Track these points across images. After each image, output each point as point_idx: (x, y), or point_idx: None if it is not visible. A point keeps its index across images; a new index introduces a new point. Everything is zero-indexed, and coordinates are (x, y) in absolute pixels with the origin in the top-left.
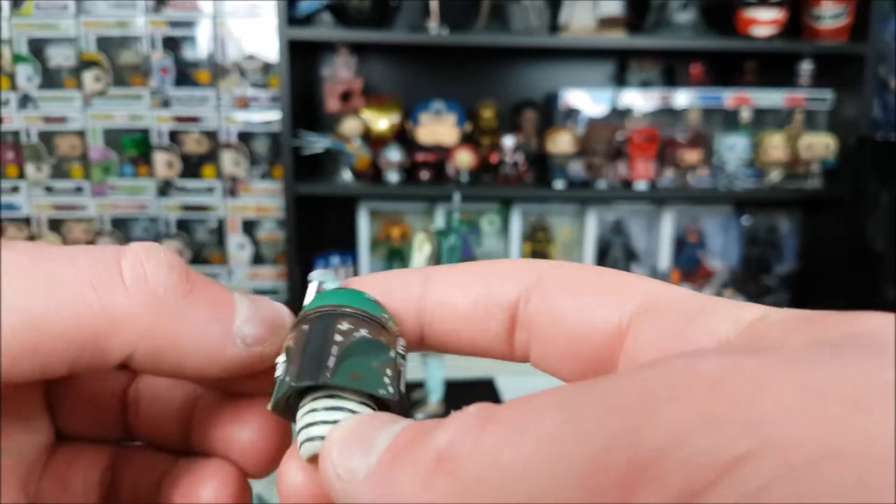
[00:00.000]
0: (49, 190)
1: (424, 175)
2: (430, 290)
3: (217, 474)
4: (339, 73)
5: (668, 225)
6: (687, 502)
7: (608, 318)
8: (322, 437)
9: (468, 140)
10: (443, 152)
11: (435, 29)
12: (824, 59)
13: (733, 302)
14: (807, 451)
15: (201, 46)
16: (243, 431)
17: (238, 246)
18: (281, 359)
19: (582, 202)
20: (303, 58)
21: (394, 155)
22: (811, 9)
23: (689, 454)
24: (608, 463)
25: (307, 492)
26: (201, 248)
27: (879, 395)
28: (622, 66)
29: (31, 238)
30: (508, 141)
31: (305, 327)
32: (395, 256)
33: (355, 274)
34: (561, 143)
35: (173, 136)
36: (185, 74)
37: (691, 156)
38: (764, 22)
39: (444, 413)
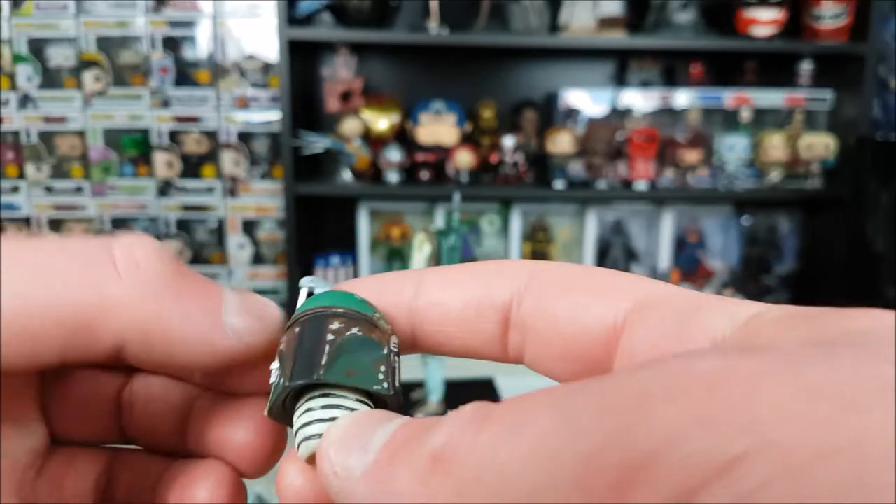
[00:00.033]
0: (49, 190)
1: (424, 175)
2: (422, 292)
3: (212, 474)
4: (339, 73)
5: (668, 225)
6: (682, 503)
7: (603, 318)
8: (319, 436)
9: (468, 140)
10: (443, 152)
11: (435, 29)
12: (824, 59)
13: (729, 299)
14: (802, 451)
15: (201, 46)
16: (238, 431)
17: (238, 246)
18: (275, 365)
19: (582, 202)
20: (303, 58)
21: (394, 155)
22: (811, 9)
23: (685, 455)
24: (603, 463)
25: (307, 493)
26: (201, 248)
27: (874, 393)
28: (622, 66)
29: None
30: (508, 141)
31: (297, 329)
32: (395, 256)
33: (355, 274)
34: (561, 143)
35: (173, 136)
36: (185, 74)
37: (691, 156)
38: (764, 22)
39: (444, 413)
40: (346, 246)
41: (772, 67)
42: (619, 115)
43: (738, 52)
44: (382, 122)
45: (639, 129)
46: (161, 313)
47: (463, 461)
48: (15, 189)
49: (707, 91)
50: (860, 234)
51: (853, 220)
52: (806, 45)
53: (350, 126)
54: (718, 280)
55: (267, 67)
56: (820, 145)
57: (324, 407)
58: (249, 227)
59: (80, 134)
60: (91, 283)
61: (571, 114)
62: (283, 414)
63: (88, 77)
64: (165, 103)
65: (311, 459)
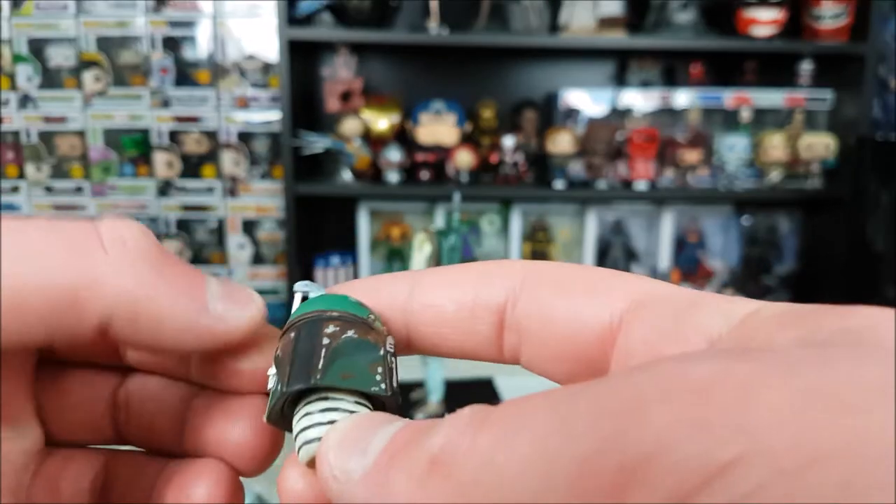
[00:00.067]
0: (49, 190)
1: (424, 175)
2: (417, 293)
3: (210, 473)
4: (339, 73)
5: (668, 225)
6: None
7: (598, 317)
8: (319, 439)
9: (468, 140)
10: (443, 152)
11: (435, 29)
12: (824, 59)
13: (724, 297)
14: (796, 455)
15: (201, 46)
16: (236, 430)
17: (238, 246)
18: (271, 371)
19: (582, 202)
20: (303, 58)
21: (394, 155)
22: (811, 9)
23: (679, 458)
24: (599, 465)
25: (308, 497)
26: (201, 248)
27: (869, 395)
28: (622, 66)
29: None
30: (508, 141)
31: (292, 335)
32: (395, 256)
33: (355, 274)
34: (561, 143)
35: (173, 136)
36: (185, 74)
37: (691, 156)
38: (764, 22)
39: (444, 413)
40: (346, 246)
41: (772, 67)
42: (619, 115)
43: (738, 52)
44: (382, 122)
45: (639, 129)
46: (148, 289)
47: (461, 464)
48: (15, 189)
49: (707, 91)
50: (860, 234)
51: (853, 220)
52: (806, 45)
53: (350, 126)
54: (718, 280)
55: (267, 67)
56: (820, 145)
57: (322, 410)
58: (249, 227)
59: (80, 134)
60: (77, 258)
61: (571, 114)
62: (281, 419)
63: (88, 77)
64: (165, 103)
65: (312, 463)
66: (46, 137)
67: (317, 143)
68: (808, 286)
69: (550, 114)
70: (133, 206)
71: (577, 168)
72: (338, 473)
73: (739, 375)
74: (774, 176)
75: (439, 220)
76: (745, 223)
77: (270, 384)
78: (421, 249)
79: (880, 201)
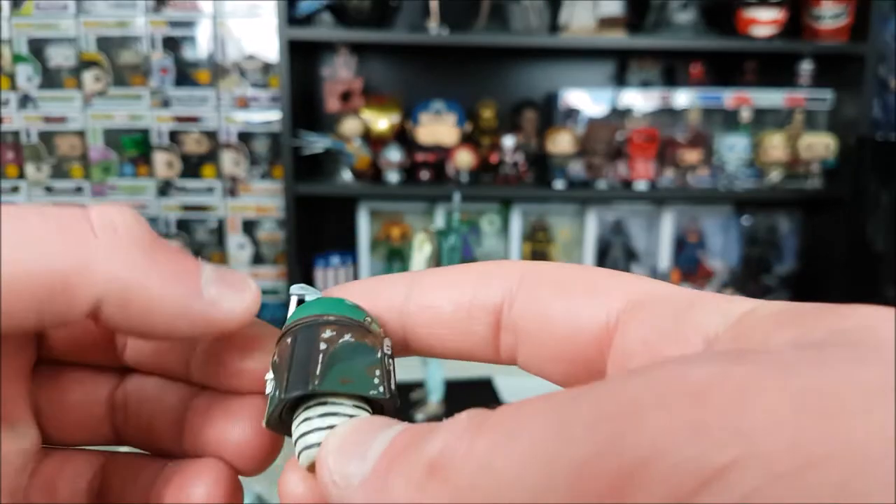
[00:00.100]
0: (49, 190)
1: (424, 175)
2: (413, 294)
3: (209, 473)
4: (339, 73)
5: (668, 225)
6: None
7: (595, 317)
8: (319, 444)
9: (468, 140)
10: (443, 152)
11: (435, 29)
12: (824, 59)
13: (722, 296)
14: (793, 458)
15: (201, 46)
16: (235, 429)
17: (238, 246)
18: (269, 376)
19: (582, 202)
20: (303, 58)
21: (394, 155)
22: (811, 9)
23: (676, 462)
24: (597, 469)
25: (309, 501)
26: (201, 248)
27: (867, 396)
28: (622, 66)
29: None
30: (508, 141)
31: (289, 340)
32: (395, 256)
33: (355, 274)
34: (561, 143)
35: (173, 136)
36: (185, 74)
37: (691, 156)
38: (764, 22)
39: (444, 413)
40: (346, 246)
41: (772, 67)
42: (619, 115)
43: (738, 52)
44: (382, 122)
45: (639, 129)
46: (139, 274)
47: (459, 468)
48: (15, 189)
49: (707, 91)
50: (860, 234)
51: (853, 220)
52: (806, 45)
53: (350, 126)
54: (718, 280)
55: (267, 67)
56: (820, 145)
57: (322, 415)
58: (249, 227)
59: (80, 134)
60: (67, 243)
61: (571, 114)
62: (280, 425)
63: (88, 77)
64: (165, 103)
65: (312, 468)
66: (46, 137)
67: (317, 143)
68: (808, 286)
69: (550, 114)
70: (133, 206)
71: (577, 168)
72: (337, 478)
73: (736, 378)
74: (774, 176)
75: (439, 220)
76: (745, 223)
77: (268, 389)
78: (421, 249)
79: (880, 201)
